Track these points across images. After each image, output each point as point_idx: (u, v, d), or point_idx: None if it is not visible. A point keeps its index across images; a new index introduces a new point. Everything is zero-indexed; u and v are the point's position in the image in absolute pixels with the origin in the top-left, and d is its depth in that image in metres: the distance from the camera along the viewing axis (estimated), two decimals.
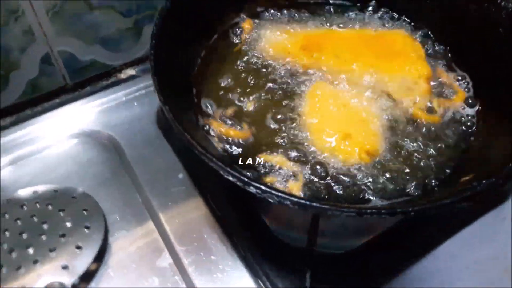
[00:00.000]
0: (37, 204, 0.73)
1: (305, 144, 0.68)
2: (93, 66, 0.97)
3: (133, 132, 0.84)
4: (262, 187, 0.52)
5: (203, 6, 0.78)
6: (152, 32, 0.67)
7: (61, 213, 0.73)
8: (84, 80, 0.96)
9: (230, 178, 0.55)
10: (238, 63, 0.79)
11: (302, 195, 0.63)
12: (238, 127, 0.71)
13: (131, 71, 1.01)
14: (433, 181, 0.64)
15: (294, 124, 0.71)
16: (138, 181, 0.78)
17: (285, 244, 0.71)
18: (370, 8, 0.86)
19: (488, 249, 0.72)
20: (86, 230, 0.71)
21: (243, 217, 0.74)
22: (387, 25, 0.83)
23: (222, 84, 0.76)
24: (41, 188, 0.75)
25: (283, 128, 0.71)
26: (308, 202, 0.52)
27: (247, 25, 0.84)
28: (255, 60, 0.80)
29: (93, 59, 0.96)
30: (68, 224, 0.71)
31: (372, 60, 0.76)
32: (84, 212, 0.73)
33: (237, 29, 0.85)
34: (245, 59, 0.80)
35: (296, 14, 0.86)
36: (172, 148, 0.82)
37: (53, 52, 0.89)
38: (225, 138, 0.70)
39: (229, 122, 0.71)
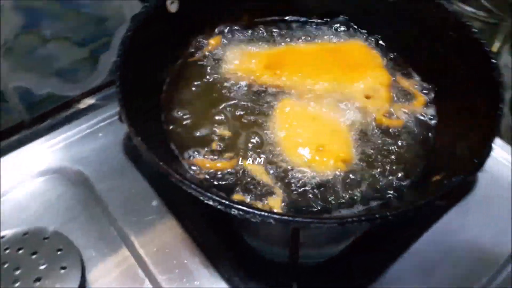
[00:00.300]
0: (7, 250, 0.70)
1: (281, 160, 0.69)
2: (51, 99, 0.95)
3: (101, 164, 0.83)
4: (245, 208, 0.52)
5: (164, 31, 0.77)
6: (116, 63, 0.67)
7: (34, 257, 0.70)
8: (42, 114, 0.94)
9: (211, 203, 0.55)
10: (204, 87, 0.79)
11: (282, 210, 0.63)
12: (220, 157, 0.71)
13: (90, 101, 0.99)
14: (405, 183, 0.67)
15: (268, 143, 0.71)
16: (111, 214, 0.77)
17: (268, 260, 0.71)
18: (327, 22, 0.89)
19: (462, 239, 0.75)
20: (62, 270, 0.68)
21: (223, 238, 0.73)
22: (344, 37, 0.86)
23: (192, 112, 0.76)
24: (9, 232, 0.72)
25: (258, 148, 0.71)
26: (290, 218, 0.52)
27: (214, 41, 0.85)
28: (221, 82, 0.80)
29: (50, 92, 0.94)
30: (43, 267, 0.68)
31: (334, 72, 0.78)
32: (58, 252, 0.71)
33: (202, 43, 0.85)
34: (210, 82, 0.80)
35: (256, 34, 0.87)
36: (142, 176, 0.81)
37: (7, 89, 0.87)
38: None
39: (213, 155, 0.71)
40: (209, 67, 0.83)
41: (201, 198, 0.54)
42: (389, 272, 0.70)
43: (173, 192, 0.78)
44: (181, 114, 0.76)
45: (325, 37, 0.86)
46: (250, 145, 0.72)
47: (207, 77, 0.81)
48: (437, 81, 0.78)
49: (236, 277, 0.69)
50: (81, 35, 0.91)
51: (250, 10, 0.88)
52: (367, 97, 0.75)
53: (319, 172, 0.67)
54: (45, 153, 0.84)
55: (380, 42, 0.86)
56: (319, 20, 0.90)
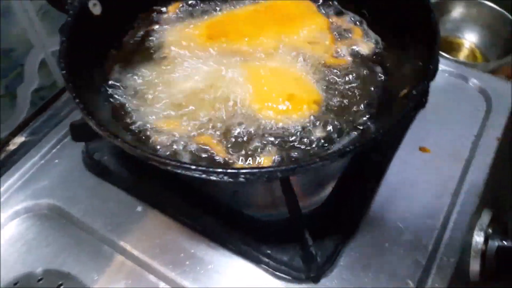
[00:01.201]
0: None
1: (258, 119, 0.70)
2: None
3: (68, 189, 0.79)
4: (251, 171, 0.53)
5: (97, 31, 0.75)
6: (64, 76, 0.64)
7: None
8: None
9: (213, 178, 0.55)
10: (154, 74, 0.77)
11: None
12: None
13: (19, 139, 0.92)
14: (373, 109, 0.71)
15: (241, 109, 0.72)
16: (98, 233, 0.74)
17: (270, 221, 0.72)
18: None
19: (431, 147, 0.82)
20: None
21: (219, 216, 0.73)
22: None
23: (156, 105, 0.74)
24: None
25: (233, 116, 0.71)
26: (295, 166, 0.54)
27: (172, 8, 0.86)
28: (170, 65, 0.78)
29: None
30: None
31: (276, 28, 0.80)
32: None
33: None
34: (160, 66, 0.78)
35: (188, 10, 0.87)
36: (116, 186, 0.78)
37: None
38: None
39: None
40: (153, 54, 0.81)
41: (205, 176, 0.54)
42: (380, 191, 0.76)
43: (156, 191, 0.77)
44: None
45: None
46: (223, 115, 0.72)
47: (155, 64, 0.80)
48: (369, 11, 0.82)
49: (246, 246, 0.70)
50: None
51: None
52: (312, 43, 0.78)
53: (297, 118, 0.70)
54: (5, 197, 0.78)
55: None
56: None
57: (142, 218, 0.75)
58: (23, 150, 0.87)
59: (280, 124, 0.70)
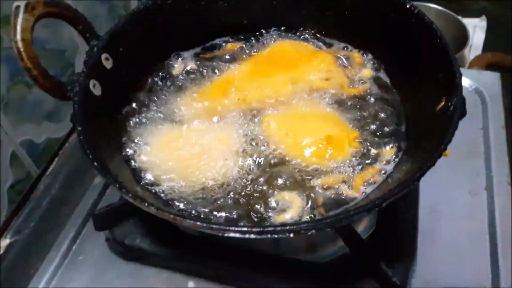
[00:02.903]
0: None
1: (298, 167, 0.69)
2: (48, 145, 0.94)
3: (107, 283, 0.72)
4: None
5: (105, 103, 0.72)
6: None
7: None
8: None
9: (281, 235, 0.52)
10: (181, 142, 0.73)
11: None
12: None
13: (3, 242, 0.83)
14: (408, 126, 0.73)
15: (277, 161, 0.70)
16: None
17: (328, 262, 0.71)
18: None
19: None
20: None
21: (275, 269, 0.70)
22: (271, 42, 0.86)
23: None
24: None
25: (277, 173, 0.68)
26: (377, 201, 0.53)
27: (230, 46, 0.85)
28: (186, 130, 0.75)
29: (47, 137, 0.95)
30: None
31: (285, 75, 0.78)
32: None
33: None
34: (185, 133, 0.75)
35: (182, 78, 0.83)
36: (158, 267, 0.73)
37: (16, 146, 0.88)
38: None
39: None
40: (170, 123, 0.77)
41: (264, 236, 0.52)
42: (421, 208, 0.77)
43: (204, 262, 0.72)
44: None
45: (254, 49, 0.85)
46: (264, 172, 0.69)
47: (173, 129, 0.76)
48: (360, 37, 0.83)
49: None
50: (52, 71, 0.80)
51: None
52: (328, 79, 0.78)
53: (342, 159, 0.68)
54: None
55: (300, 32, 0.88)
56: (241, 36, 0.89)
57: None
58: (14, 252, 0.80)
59: (329, 167, 0.68)
